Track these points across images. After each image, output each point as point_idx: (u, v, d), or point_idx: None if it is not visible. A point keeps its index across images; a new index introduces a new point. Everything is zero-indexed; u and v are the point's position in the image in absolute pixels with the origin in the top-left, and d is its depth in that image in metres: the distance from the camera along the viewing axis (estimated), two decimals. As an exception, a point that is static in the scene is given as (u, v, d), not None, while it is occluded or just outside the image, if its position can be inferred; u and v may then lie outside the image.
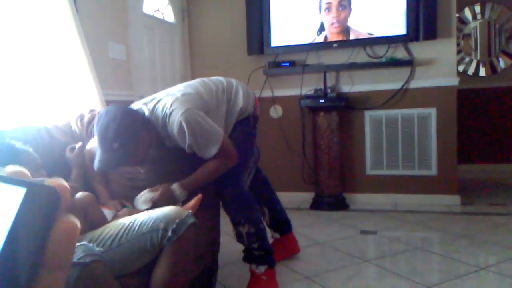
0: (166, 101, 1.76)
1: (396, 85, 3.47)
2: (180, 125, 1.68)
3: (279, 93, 3.73)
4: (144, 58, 3.36)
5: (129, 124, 1.63)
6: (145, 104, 1.81)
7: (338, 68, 3.53)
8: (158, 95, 1.85)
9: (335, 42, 3.46)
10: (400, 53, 3.43)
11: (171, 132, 1.73)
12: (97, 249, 1.13)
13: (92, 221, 1.52)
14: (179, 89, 1.88)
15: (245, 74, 3.68)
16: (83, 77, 2.38)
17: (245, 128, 2.03)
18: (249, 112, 2.04)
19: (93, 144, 1.86)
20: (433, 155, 3.45)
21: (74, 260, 1.05)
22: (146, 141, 1.71)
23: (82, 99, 2.39)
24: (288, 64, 3.57)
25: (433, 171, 3.47)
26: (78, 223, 0.96)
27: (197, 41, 3.98)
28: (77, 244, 1.11)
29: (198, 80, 2.01)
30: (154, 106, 1.77)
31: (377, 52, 3.47)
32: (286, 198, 2.73)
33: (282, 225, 2.43)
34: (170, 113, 1.71)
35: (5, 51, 2.06)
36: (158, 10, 3.63)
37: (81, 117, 2.17)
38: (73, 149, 1.87)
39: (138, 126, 1.67)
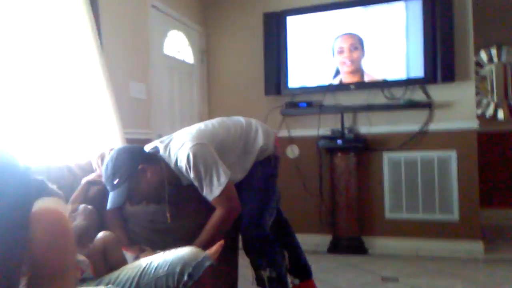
0: (180, 137, 1.78)
1: (415, 127, 3.44)
2: (188, 158, 1.68)
3: (296, 133, 3.73)
4: (163, 97, 3.42)
5: (126, 160, 1.68)
6: (162, 142, 1.82)
7: (356, 109, 3.54)
8: (175, 133, 1.86)
9: (352, 84, 3.49)
10: (418, 95, 3.43)
11: (180, 165, 1.72)
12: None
13: (112, 261, 1.50)
14: (195, 126, 1.90)
15: (262, 114, 3.71)
16: (106, 115, 2.41)
17: (266, 168, 2.01)
18: (269, 152, 2.02)
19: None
20: (455, 199, 3.36)
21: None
22: (148, 176, 1.71)
23: (104, 136, 2.42)
24: (305, 104, 3.59)
25: (454, 215, 3.37)
26: (65, 211, 0.96)
27: (215, 81, 4.05)
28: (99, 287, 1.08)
29: (217, 119, 2.02)
30: (169, 142, 1.79)
31: (395, 93, 3.48)
32: (303, 240, 2.65)
33: (302, 270, 2.34)
34: (181, 147, 1.72)
35: (31, 87, 2.11)
36: (178, 52, 3.73)
37: (102, 156, 2.18)
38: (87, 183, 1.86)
39: (135, 162, 1.69)
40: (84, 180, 1.84)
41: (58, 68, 2.20)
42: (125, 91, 2.90)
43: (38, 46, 2.12)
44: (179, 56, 3.74)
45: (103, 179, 1.71)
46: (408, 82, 3.40)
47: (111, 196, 1.67)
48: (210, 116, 3.93)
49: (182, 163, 1.70)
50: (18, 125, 2.04)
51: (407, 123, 3.47)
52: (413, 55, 3.36)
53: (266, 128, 2.07)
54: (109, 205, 1.67)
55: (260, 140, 1.97)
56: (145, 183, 1.70)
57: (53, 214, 0.93)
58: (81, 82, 2.28)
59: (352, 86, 3.49)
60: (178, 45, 3.73)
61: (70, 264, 0.93)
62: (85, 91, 2.30)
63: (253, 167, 1.96)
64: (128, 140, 2.60)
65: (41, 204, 0.92)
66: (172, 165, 1.75)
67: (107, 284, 1.34)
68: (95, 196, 1.81)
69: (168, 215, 1.84)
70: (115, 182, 1.65)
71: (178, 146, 1.73)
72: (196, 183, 1.72)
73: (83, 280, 1.39)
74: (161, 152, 1.77)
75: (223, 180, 1.68)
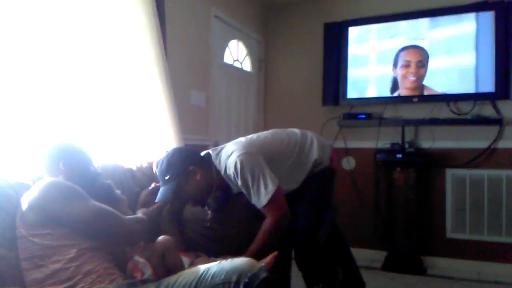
0: (230, 146, 1.81)
1: (482, 144, 3.25)
2: (235, 165, 1.70)
3: (352, 145, 3.65)
4: (221, 105, 3.49)
5: (179, 160, 1.76)
6: (214, 150, 1.87)
7: (418, 123, 3.40)
8: (227, 144, 1.89)
9: (416, 96, 3.36)
10: (487, 110, 3.24)
11: (229, 173, 1.75)
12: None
13: (170, 265, 1.54)
14: (248, 137, 1.93)
15: (319, 124, 3.67)
16: (167, 121, 2.50)
17: (320, 182, 1.98)
18: (324, 164, 1.99)
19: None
20: (524, 222, 3.12)
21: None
22: (197, 178, 1.76)
23: (164, 142, 2.50)
24: (364, 116, 3.51)
25: (523, 239, 3.13)
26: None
27: (272, 90, 4.07)
28: None
29: (272, 130, 2.03)
30: (220, 151, 1.84)
31: (461, 108, 3.31)
32: (356, 255, 2.58)
33: (356, 286, 2.28)
34: (230, 155, 1.75)
35: (101, 92, 2.24)
36: (237, 60, 3.80)
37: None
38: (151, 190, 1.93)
39: (187, 162, 1.77)
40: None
41: (126, 75, 2.32)
42: (186, 98, 2.99)
43: (107, 54, 2.24)
44: (238, 65, 3.81)
45: (157, 174, 1.80)
46: (477, 97, 3.22)
47: (160, 190, 1.77)
48: (265, 125, 3.96)
49: (230, 171, 1.73)
50: (88, 128, 2.17)
51: (474, 140, 3.28)
52: (482, 69, 3.18)
53: (322, 140, 2.04)
54: (157, 198, 1.76)
55: (315, 153, 1.95)
56: (193, 184, 1.77)
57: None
58: (146, 89, 2.38)
59: (415, 99, 3.36)
60: (237, 54, 3.80)
61: None
62: (149, 98, 2.40)
63: (307, 180, 1.94)
64: (187, 146, 2.68)
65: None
66: (222, 172, 1.79)
67: (166, 287, 1.37)
68: (147, 199, 1.89)
69: (209, 218, 1.90)
70: (166, 177, 1.73)
71: (228, 155, 1.77)
72: (244, 191, 1.74)
73: (143, 282, 1.44)
74: (213, 159, 1.81)
75: (271, 188, 1.68)
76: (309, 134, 2.04)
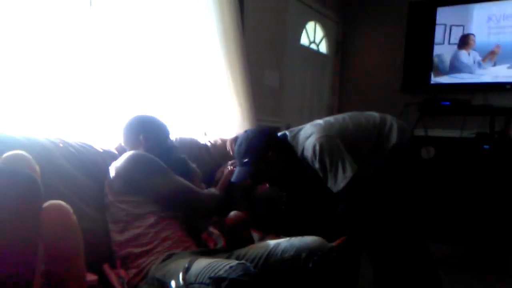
0: (309, 128, 1.78)
1: None
2: (314, 148, 1.66)
3: (434, 133, 3.44)
4: (295, 87, 3.46)
5: (258, 144, 1.74)
6: (291, 131, 1.84)
7: (510, 113, 3.11)
8: (304, 125, 1.86)
9: (509, 83, 3.06)
10: None
11: (306, 155, 1.71)
12: (253, 270, 1.14)
13: (240, 239, 1.57)
14: (326, 119, 1.88)
15: (397, 109, 3.49)
16: (242, 100, 2.53)
17: (400, 172, 1.88)
18: (403, 148, 1.89)
19: None
20: None
21: (235, 276, 1.08)
22: (275, 162, 1.75)
23: (238, 121, 2.54)
24: (448, 103, 3.28)
25: None
26: (69, 207, 1.05)
27: (348, 73, 3.95)
28: (237, 262, 1.14)
29: (349, 113, 1.96)
30: (298, 132, 1.81)
31: None
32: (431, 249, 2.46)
33: (430, 284, 2.16)
34: (309, 137, 1.71)
35: (182, 70, 2.32)
36: (313, 42, 3.72)
37: (236, 139, 2.30)
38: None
39: (267, 147, 1.74)
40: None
41: (205, 53, 2.37)
42: (260, 78, 3.00)
43: (188, 33, 2.31)
44: (314, 47, 3.74)
45: (235, 154, 1.81)
46: None
47: (237, 170, 1.78)
48: (339, 109, 3.86)
49: (308, 153, 1.70)
50: (166, 103, 2.27)
51: None
52: None
53: (402, 124, 1.93)
54: (233, 178, 1.78)
55: (394, 138, 1.86)
56: (270, 167, 1.77)
57: (61, 209, 1.04)
58: (223, 67, 2.42)
59: (508, 86, 3.06)
60: (314, 36, 3.73)
61: (80, 251, 1.05)
62: (226, 76, 2.44)
63: (386, 168, 1.85)
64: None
65: (49, 202, 1.02)
66: (299, 154, 1.76)
67: (237, 257, 1.41)
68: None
69: (283, 200, 1.91)
70: (245, 160, 1.74)
71: (306, 136, 1.74)
72: (321, 174, 1.70)
73: (216, 251, 1.50)
74: (289, 140, 1.80)
75: (349, 173, 1.63)
76: (389, 117, 1.94)
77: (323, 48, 3.86)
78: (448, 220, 3.33)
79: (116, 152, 1.71)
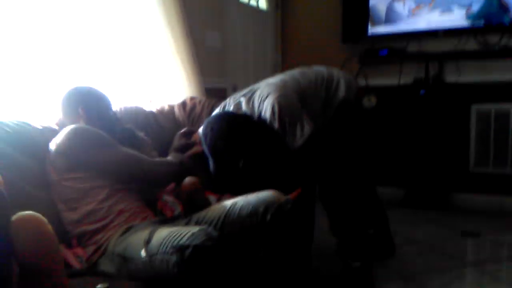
0: (264, 89, 1.77)
1: (509, 77, 3.13)
2: (273, 109, 1.68)
3: (374, 82, 3.56)
4: (238, 46, 3.41)
5: (236, 139, 1.70)
6: (244, 95, 1.82)
7: (443, 57, 3.27)
8: (256, 85, 1.85)
9: (441, 29, 3.20)
10: (516, 41, 3.08)
11: (264, 117, 1.72)
12: (215, 233, 1.16)
13: (197, 203, 1.59)
14: (277, 77, 1.88)
15: (339, 62, 3.56)
16: (184, 64, 2.47)
17: (349, 123, 1.98)
18: (351, 101, 1.96)
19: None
20: (550, 154, 3.07)
21: (198, 243, 1.09)
22: (251, 145, 1.74)
23: (183, 85, 2.49)
24: (386, 52, 3.38)
25: (547, 172, 3.10)
26: (41, 216, 0.97)
27: (289, 28, 3.94)
28: (199, 227, 1.16)
29: (298, 69, 1.98)
30: (252, 95, 1.79)
31: (489, 40, 3.15)
32: (378, 192, 2.62)
33: (378, 220, 2.32)
34: (265, 98, 1.72)
35: (118, 36, 2.21)
36: (253, -2, 3.65)
37: (184, 104, 2.27)
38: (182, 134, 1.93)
39: (245, 137, 1.72)
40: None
41: (143, 17, 2.26)
42: (201, 40, 2.91)
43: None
44: (253, 3, 3.67)
45: (209, 154, 1.74)
46: (507, 28, 3.05)
47: (217, 170, 1.73)
48: (284, 65, 3.87)
49: (267, 114, 1.70)
50: (107, 72, 2.16)
51: (501, 73, 3.15)
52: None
53: (348, 78, 1.99)
54: (215, 176, 1.74)
55: (342, 92, 1.91)
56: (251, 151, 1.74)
57: (32, 221, 0.95)
58: (163, 31, 2.33)
59: (440, 32, 3.20)
60: (253, -8, 3.65)
61: (57, 261, 0.98)
62: (165, 39, 2.35)
63: (335, 118, 1.92)
64: (206, 90, 2.66)
65: (19, 214, 0.94)
66: (255, 117, 1.76)
67: (196, 222, 1.43)
68: (181, 143, 1.89)
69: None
70: (225, 158, 1.70)
71: (262, 98, 1.73)
72: (280, 133, 1.73)
73: (174, 218, 1.50)
74: (244, 106, 1.78)
75: (307, 131, 1.68)
76: (335, 72, 2.00)
77: (262, 4, 3.80)
78: (392, 164, 3.54)
79: (57, 128, 1.62)
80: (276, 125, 1.69)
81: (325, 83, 1.91)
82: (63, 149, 1.41)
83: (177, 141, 1.89)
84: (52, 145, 1.44)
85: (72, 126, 1.46)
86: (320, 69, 1.98)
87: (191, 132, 1.90)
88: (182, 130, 1.93)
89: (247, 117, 1.77)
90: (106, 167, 1.43)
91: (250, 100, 1.78)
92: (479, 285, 2.07)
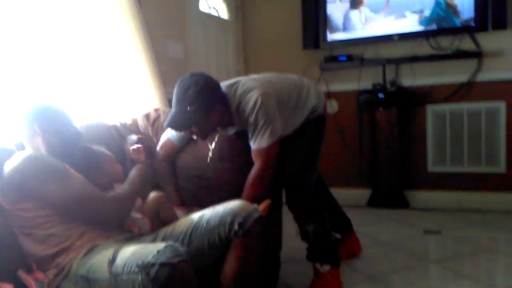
0: (248, 82, 1.77)
1: (462, 78, 3.29)
2: (256, 102, 1.68)
3: (335, 87, 3.65)
4: (200, 55, 3.41)
5: (209, 93, 1.65)
6: (229, 83, 1.81)
7: (399, 62, 3.40)
8: (241, 78, 1.85)
9: (396, 34, 3.33)
10: (466, 44, 3.24)
11: (243, 107, 1.71)
12: (182, 249, 1.15)
13: (164, 218, 1.57)
14: (261, 76, 1.90)
15: (300, 68, 3.63)
16: (147, 76, 2.45)
17: (315, 128, 2.03)
18: (319, 112, 2.03)
19: (160, 151, 1.90)
20: (502, 151, 3.24)
21: (164, 260, 1.07)
22: (219, 115, 1.71)
23: (146, 97, 2.46)
24: (345, 58, 3.48)
25: (501, 168, 3.26)
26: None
27: (251, 37, 3.98)
28: (164, 244, 1.14)
29: (270, 73, 2.00)
30: (234, 83, 1.79)
31: (442, 43, 3.31)
32: (342, 194, 2.68)
33: (343, 224, 2.39)
34: (250, 90, 1.72)
35: (77, 50, 2.16)
36: (213, 8, 3.66)
37: (147, 115, 2.24)
38: (131, 141, 1.87)
39: (216, 98, 1.69)
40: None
41: (102, 31, 2.23)
42: (164, 50, 2.90)
43: (82, 10, 2.14)
44: (214, 13, 3.68)
45: (174, 98, 1.68)
46: (457, 31, 3.21)
47: (174, 117, 1.65)
48: (246, 73, 3.89)
49: (247, 106, 1.69)
50: (68, 88, 2.11)
51: (454, 74, 3.31)
52: (462, 2, 3.15)
53: (317, 88, 2.07)
54: (168, 124, 1.67)
55: (312, 99, 1.97)
56: (212, 120, 1.70)
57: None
58: (124, 44, 2.30)
59: (395, 37, 3.33)
60: (213, 1, 3.66)
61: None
62: (127, 53, 2.32)
63: (303, 124, 1.97)
64: (169, 100, 2.64)
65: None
66: (234, 106, 1.74)
67: (163, 238, 1.41)
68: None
69: (210, 155, 1.86)
70: (190, 108, 1.62)
71: (247, 90, 1.72)
72: (249, 129, 1.72)
73: (141, 235, 1.48)
74: (225, 89, 1.76)
75: (275, 135, 1.70)
76: (305, 80, 2.05)
77: (223, 13, 3.82)
78: (357, 167, 3.63)
79: (14, 148, 1.56)
80: (251, 118, 1.69)
81: (297, 89, 1.95)
82: (12, 178, 1.32)
83: (132, 153, 1.85)
84: (5, 170, 1.35)
85: (24, 154, 1.37)
86: (291, 75, 2.03)
87: (140, 139, 1.86)
88: (131, 142, 1.86)
89: (225, 94, 1.76)
90: (55, 202, 1.34)
91: (232, 86, 1.77)
92: (443, 282, 2.15)
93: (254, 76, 1.88)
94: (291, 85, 1.92)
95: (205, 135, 1.76)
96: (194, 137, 1.78)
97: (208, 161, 1.86)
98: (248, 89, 1.72)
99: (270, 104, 1.71)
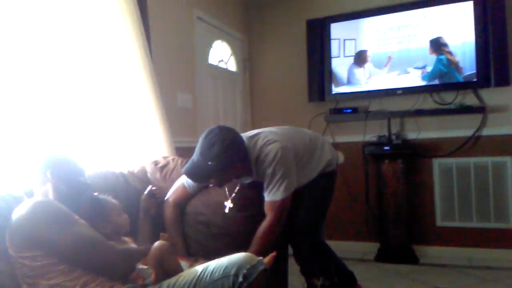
0: (269, 135, 1.81)
1: (467, 133, 3.32)
2: (275, 154, 1.71)
3: (340, 139, 3.69)
4: (208, 106, 3.49)
5: (232, 153, 1.68)
6: (250, 135, 1.85)
7: (404, 115, 3.46)
8: (261, 130, 1.90)
9: (400, 88, 3.41)
10: (469, 99, 3.31)
11: (263, 159, 1.74)
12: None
13: (168, 269, 1.54)
14: (279, 128, 1.95)
15: (306, 120, 3.70)
16: (156, 124, 2.49)
17: (329, 181, 2.05)
18: (333, 167, 2.05)
19: (172, 195, 1.92)
20: (511, 207, 3.20)
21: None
22: (237, 170, 1.75)
23: (154, 146, 2.49)
24: (350, 110, 3.55)
25: (510, 223, 3.21)
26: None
27: (258, 88, 4.09)
28: None
29: (288, 127, 2.05)
30: (255, 135, 1.83)
31: (445, 98, 3.37)
32: (349, 248, 2.63)
33: (347, 278, 2.32)
34: (270, 143, 1.75)
35: (89, 97, 2.22)
36: (222, 61, 3.80)
37: (156, 163, 2.26)
38: (147, 195, 1.91)
39: (238, 157, 1.72)
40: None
41: (113, 81, 2.30)
42: (173, 100, 2.98)
43: (93, 60, 2.23)
44: (223, 65, 3.81)
45: (198, 148, 1.70)
46: (460, 86, 3.29)
47: (194, 167, 1.68)
48: (253, 125, 3.96)
49: (267, 158, 1.72)
50: (78, 136, 2.15)
51: (459, 129, 3.35)
52: (463, 59, 3.25)
53: (329, 143, 2.12)
54: (185, 171, 1.70)
55: (328, 154, 2.02)
56: (229, 175, 1.74)
57: None
58: (134, 93, 2.37)
59: (399, 91, 3.41)
60: (222, 55, 3.80)
61: None
62: (137, 102, 2.38)
63: (317, 177, 1.99)
64: (177, 149, 2.67)
65: None
66: (253, 158, 1.77)
67: (166, 290, 1.37)
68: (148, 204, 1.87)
69: (230, 205, 1.86)
70: (210, 162, 1.65)
71: (267, 142, 1.76)
72: (266, 180, 1.74)
73: (144, 286, 1.44)
74: (246, 141, 1.79)
75: (290, 190, 1.73)
76: (319, 135, 2.12)
77: (232, 65, 3.95)
78: (364, 219, 3.58)
79: (23, 195, 1.57)
80: (269, 170, 1.71)
81: (313, 141, 1.99)
82: (19, 225, 1.33)
83: (144, 203, 1.87)
84: (13, 216, 1.36)
85: (32, 201, 1.39)
86: (306, 131, 2.08)
87: (154, 193, 1.89)
88: (146, 191, 1.91)
89: (247, 151, 1.78)
90: (61, 248, 1.34)
91: (253, 138, 1.81)
92: None
93: (273, 129, 1.93)
94: (305, 139, 1.97)
95: (221, 185, 1.80)
96: (211, 184, 1.81)
97: (227, 210, 1.86)
98: (269, 142, 1.76)
99: (289, 158, 1.75)
